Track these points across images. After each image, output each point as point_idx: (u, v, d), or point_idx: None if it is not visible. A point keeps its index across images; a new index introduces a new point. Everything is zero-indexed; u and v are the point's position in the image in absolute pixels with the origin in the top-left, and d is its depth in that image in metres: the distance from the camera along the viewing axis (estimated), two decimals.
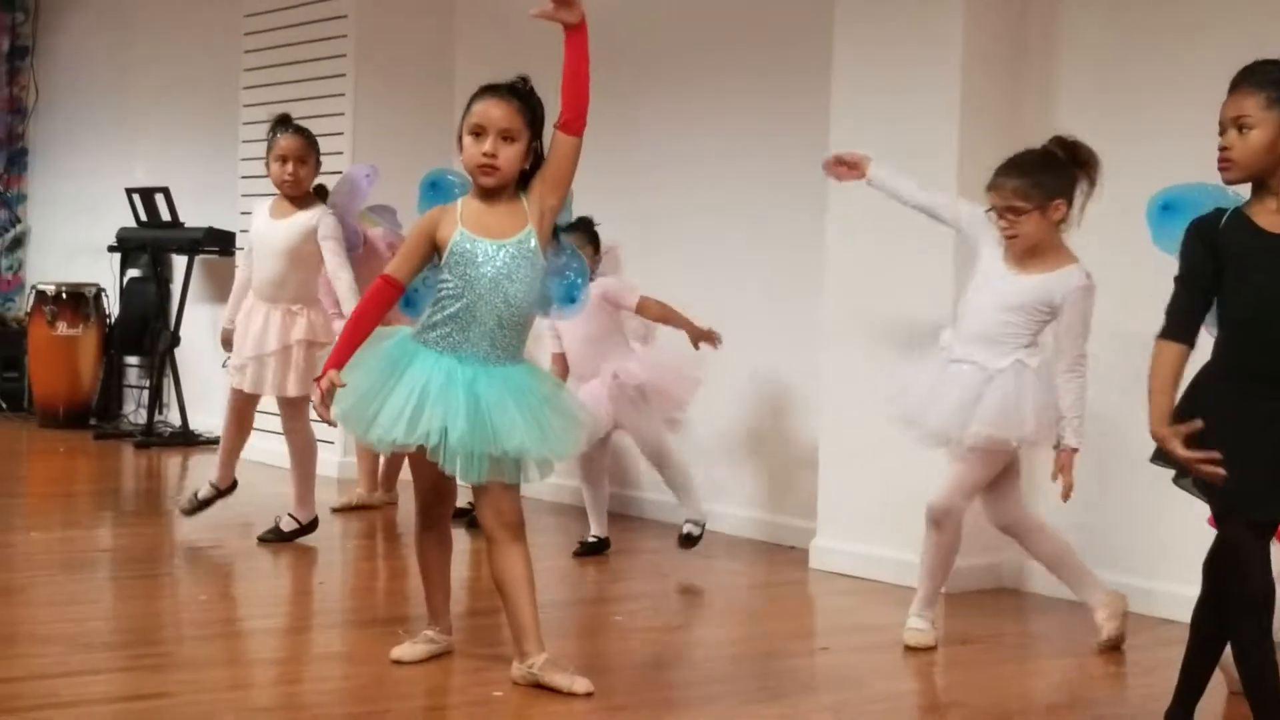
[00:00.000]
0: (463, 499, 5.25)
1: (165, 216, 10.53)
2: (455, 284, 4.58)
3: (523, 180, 4.63)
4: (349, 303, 6.44)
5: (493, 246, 4.57)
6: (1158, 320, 3.94)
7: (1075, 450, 5.17)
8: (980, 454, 5.27)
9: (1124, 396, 5.11)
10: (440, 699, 4.69)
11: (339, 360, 4.58)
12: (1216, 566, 3.94)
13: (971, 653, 5.39)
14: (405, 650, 4.92)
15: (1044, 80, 6.32)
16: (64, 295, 11.04)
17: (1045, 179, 5.15)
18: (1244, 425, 3.80)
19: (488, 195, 4.62)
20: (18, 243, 13.02)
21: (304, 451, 6.93)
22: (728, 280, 7.54)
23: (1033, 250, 5.20)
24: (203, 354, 9.78)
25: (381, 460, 7.95)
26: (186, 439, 10.24)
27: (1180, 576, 4.33)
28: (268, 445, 7.84)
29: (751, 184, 7.51)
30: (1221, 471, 3.73)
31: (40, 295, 11.10)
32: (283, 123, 6.85)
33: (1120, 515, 5.87)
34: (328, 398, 4.58)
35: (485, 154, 4.55)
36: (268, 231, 6.77)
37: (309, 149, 6.79)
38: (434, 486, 4.83)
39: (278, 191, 6.83)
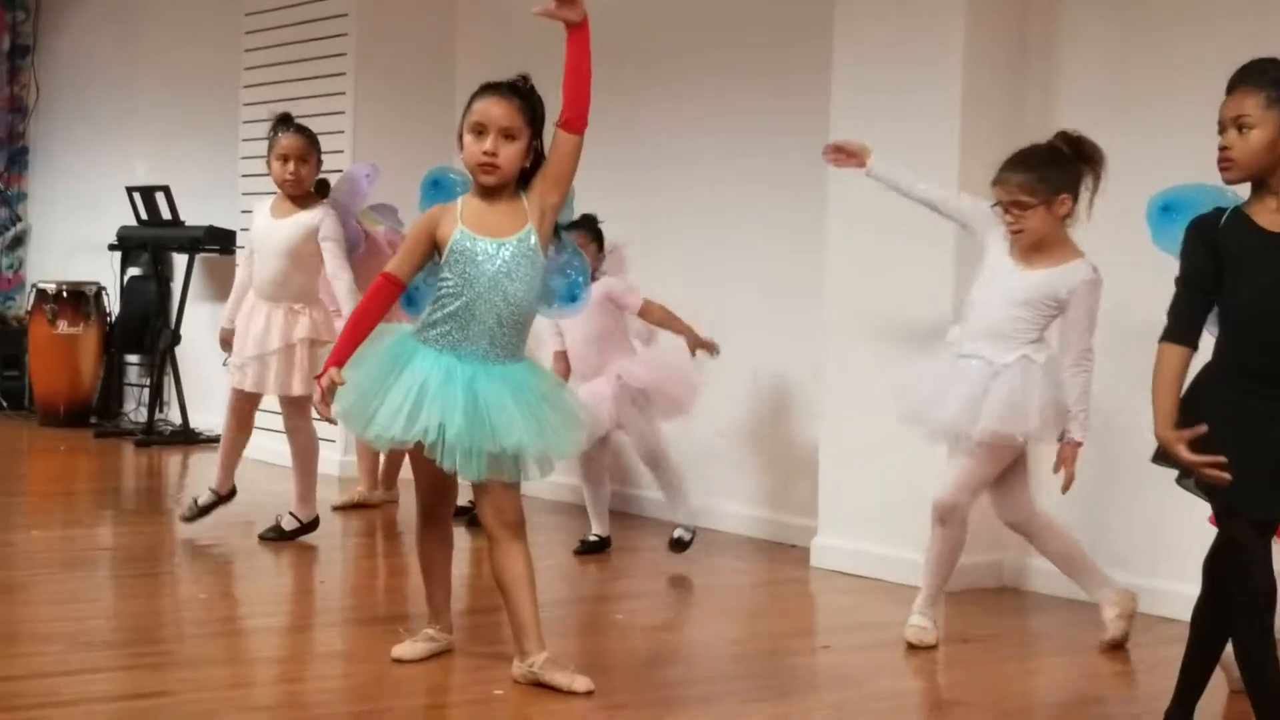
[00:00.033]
0: (464, 497, 5.24)
1: (166, 215, 10.53)
2: (455, 282, 4.57)
3: (524, 179, 4.63)
4: (348, 304, 6.44)
5: (493, 245, 4.57)
6: (1159, 318, 3.94)
7: (1079, 444, 5.18)
8: (986, 450, 5.27)
9: (1127, 395, 5.11)
10: (441, 697, 4.69)
11: (340, 358, 4.58)
12: (1217, 566, 3.94)
13: (973, 651, 5.38)
14: (406, 649, 4.92)
15: (1045, 79, 6.31)
16: (64, 294, 11.04)
17: (1051, 174, 5.16)
18: (1244, 425, 3.80)
19: (488, 194, 4.62)
20: (18, 241, 13.02)
21: (306, 450, 6.93)
22: (728, 279, 7.53)
23: (1039, 245, 5.21)
24: (203, 352, 9.76)
25: (382, 458, 7.95)
26: (187, 437, 10.24)
27: (1183, 575, 4.33)
28: (269, 444, 7.84)
29: (752, 183, 7.50)
30: (1226, 476, 3.73)
31: (41, 294, 11.10)
32: (284, 122, 6.84)
33: (1123, 514, 5.87)
34: (328, 395, 4.58)
35: (486, 152, 4.54)
36: (269, 231, 6.76)
37: (310, 148, 6.79)
38: (435, 485, 4.83)
39: (278, 190, 6.83)
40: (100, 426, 10.88)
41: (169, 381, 10.52)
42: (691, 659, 5.22)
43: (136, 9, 11.70)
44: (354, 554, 7.14)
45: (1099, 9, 6.21)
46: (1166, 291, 3.98)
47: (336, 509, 7.75)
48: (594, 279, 6.61)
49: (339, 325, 5.95)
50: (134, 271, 11.33)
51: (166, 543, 7.10)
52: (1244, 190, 3.97)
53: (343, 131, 8.96)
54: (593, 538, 6.91)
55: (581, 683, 4.57)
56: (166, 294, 10.86)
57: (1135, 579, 5.60)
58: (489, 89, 4.61)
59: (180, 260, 10.61)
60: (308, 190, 6.82)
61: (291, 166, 6.71)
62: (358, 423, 4.62)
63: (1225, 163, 3.88)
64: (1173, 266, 4.02)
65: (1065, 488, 5.19)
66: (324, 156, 6.96)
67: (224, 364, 6.94)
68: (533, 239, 4.59)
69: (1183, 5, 5.95)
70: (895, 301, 6.41)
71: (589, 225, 6.69)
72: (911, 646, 5.32)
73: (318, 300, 6.84)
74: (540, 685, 4.59)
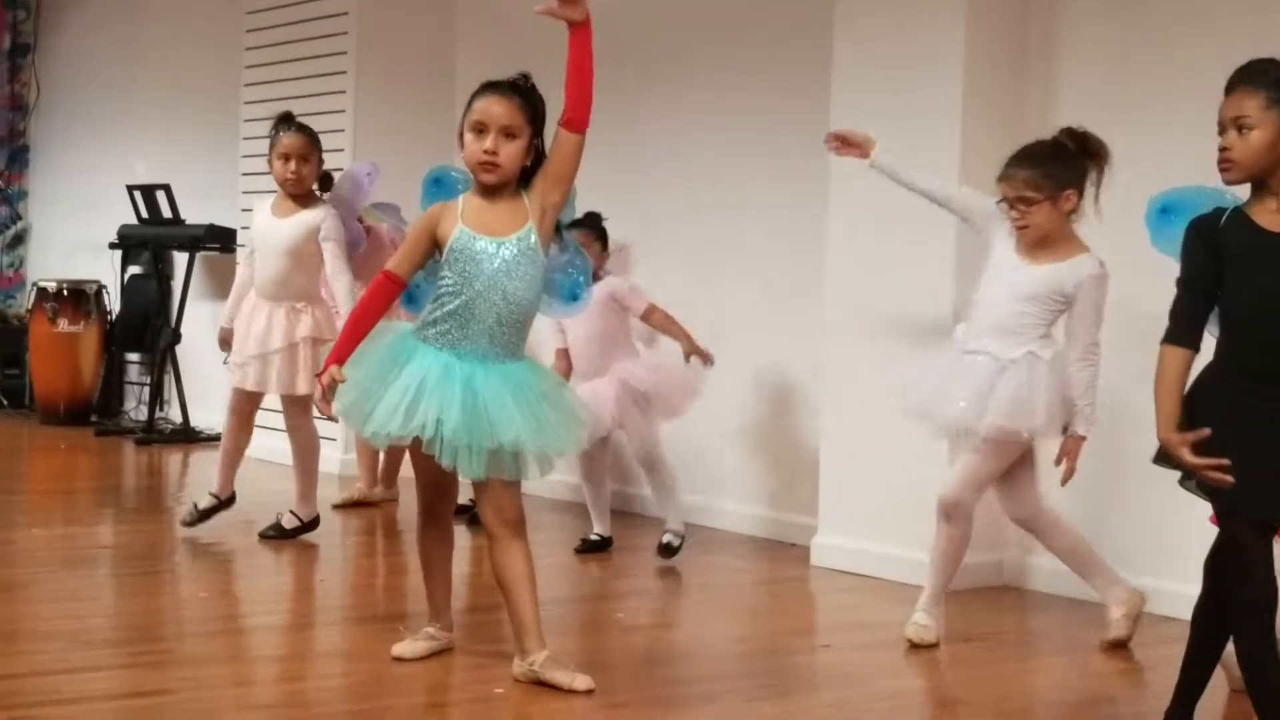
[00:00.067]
0: (464, 496, 5.24)
1: (166, 213, 10.54)
2: (455, 281, 4.58)
3: (525, 177, 4.63)
4: (346, 305, 6.44)
5: (493, 244, 4.57)
6: (1160, 315, 3.95)
7: (1083, 438, 5.19)
8: (991, 446, 5.27)
9: (1130, 395, 5.12)
10: (441, 696, 4.69)
11: (340, 356, 4.59)
12: (1218, 566, 3.94)
13: (973, 650, 5.38)
14: (406, 647, 4.92)
15: (1045, 79, 6.32)
16: (65, 292, 11.04)
17: (1056, 169, 5.17)
18: (1245, 425, 3.80)
19: (489, 192, 4.62)
20: (19, 240, 13.02)
21: (307, 449, 6.93)
22: (728, 278, 7.54)
23: (1044, 240, 5.22)
24: (204, 351, 9.76)
25: (381, 456, 7.96)
26: (187, 436, 10.24)
27: (1185, 575, 4.33)
28: (270, 442, 7.84)
29: (753, 183, 7.51)
30: (1229, 479, 3.73)
31: (41, 292, 11.10)
32: (285, 120, 6.84)
33: (1125, 513, 5.87)
34: (329, 393, 4.59)
35: (486, 151, 4.54)
36: (270, 230, 6.76)
37: (312, 147, 6.79)
38: (435, 483, 4.83)
39: (279, 189, 6.82)
40: (101, 425, 10.88)
41: (169, 380, 10.52)
42: (692, 658, 5.22)
43: (137, 8, 11.70)
44: (354, 552, 7.14)
45: (1099, 9, 6.21)
46: (1167, 289, 3.98)
47: (337, 507, 7.75)
48: (598, 278, 6.62)
49: (340, 324, 5.94)
50: (134, 270, 11.34)
51: (167, 541, 7.10)
52: (1242, 192, 3.97)
53: (343, 130, 8.96)
54: (594, 537, 6.91)
55: (582, 681, 4.57)
56: (167, 292, 10.87)
57: (1137, 578, 5.60)
58: (490, 87, 4.61)
59: (181, 259, 10.62)
60: (309, 189, 6.82)
61: (293, 165, 6.70)
62: (357, 420, 4.63)
63: (1225, 163, 3.88)
64: (1172, 265, 4.02)
65: (1065, 480, 5.21)
66: (324, 155, 6.96)
67: (224, 363, 6.94)
68: (533, 238, 4.59)
69: (1183, 5, 5.95)
70: (896, 301, 6.41)
71: (593, 224, 6.68)
72: (912, 645, 5.32)
73: (319, 299, 6.83)
74: (541, 684, 4.59)
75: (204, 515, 6.90)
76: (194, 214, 10.46)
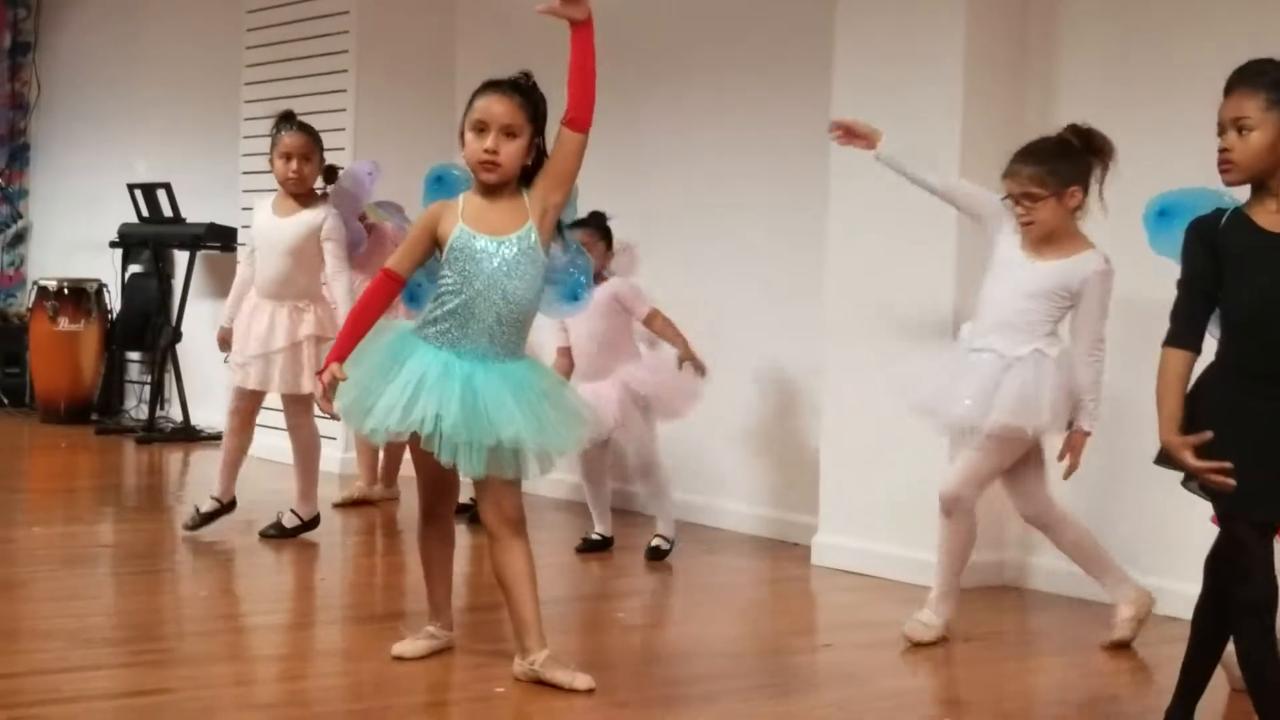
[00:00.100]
0: (465, 494, 5.24)
1: (167, 212, 10.54)
2: (455, 280, 4.58)
3: (527, 177, 4.63)
4: (345, 305, 6.44)
5: (492, 243, 4.56)
6: (1163, 314, 3.95)
7: (1088, 434, 5.20)
8: (994, 443, 5.26)
9: (1132, 392, 5.12)
10: (442, 695, 4.69)
11: (340, 354, 4.59)
12: (1218, 566, 3.94)
13: (974, 650, 5.38)
14: (406, 646, 4.92)
15: (1045, 78, 6.32)
16: (65, 291, 11.05)
17: (1061, 166, 5.18)
18: (1246, 426, 3.80)
19: (489, 191, 4.62)
20: (19, 238, 13.03)
21: (308, 448, 6.93)
22: (729, 277, 7.54)
23: (1049, 237, 5.22)
24: (204, 350, 9.75)
25: (381, 455, 7.96)
26: (188, 434, 10.24)
27: (1188, 575, 4.33)
28: (271, 441, 7.84)
29: (753, 182, 7.51)
30: (1231, 482, 3.73)
31: (42, 291, 11.10)
32: (286, 119, 6.83)
33: (1128, 512, 5.87)
34: (330, 391, 4.59)
35: (487, 150, 4.54)
36: (272, 229, 6.75)
37: (313, 146, 6.78)
38: (436, 482, 4.83)
39: (280, 188, 6.81)
40: (101, 423, 10.88)
41: (170, 379, 10.52)
42: (693, 657, 5.22)
43: (138, 7, 11.70)
44: (354, 551, 7.14)
45: (1099, 9, 6.21)
46: (1168, 287, 3.98)
47: (337, 506, 7.75)
48: (602, 278, 6.62)
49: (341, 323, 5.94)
50: (135, 268, 11.34)
51: (167, 540, 7.10)
52: (1241, 194, 3.97)
53: (344, 129, 8.96)
54: (595, 536, 6.91)
55: (583, 680, 4.57)
56: (167, 291, 10.88)
57: (1139, 578, 5.59)
58: (491, 86, 4.60)
59: (181, 257, 10.62)
60: (310, 188, 6.82)
61: (294, 165, 6.70)
62: (357, 417, 4.63)
63: (1225, 165, 3.88)
64: (1173, 264, 4.02)
65: (1067, 475, 5.24)
66: (325, 155, 6.95)
67: (224, 362, 6.94)
68: (533, 237, 4.59)
69: (1183, 5, 5.95)
70: (896, 300, 6.41)
71: (596, 223, 6.68)
72: (911, 643, 5.32)
73: (321, 297, 6.83)
74: (541, 683, 4.59)
75: (206, 519, 6.88)
76: (194, 213, 10.46)
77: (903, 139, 5.94)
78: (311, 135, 6.81)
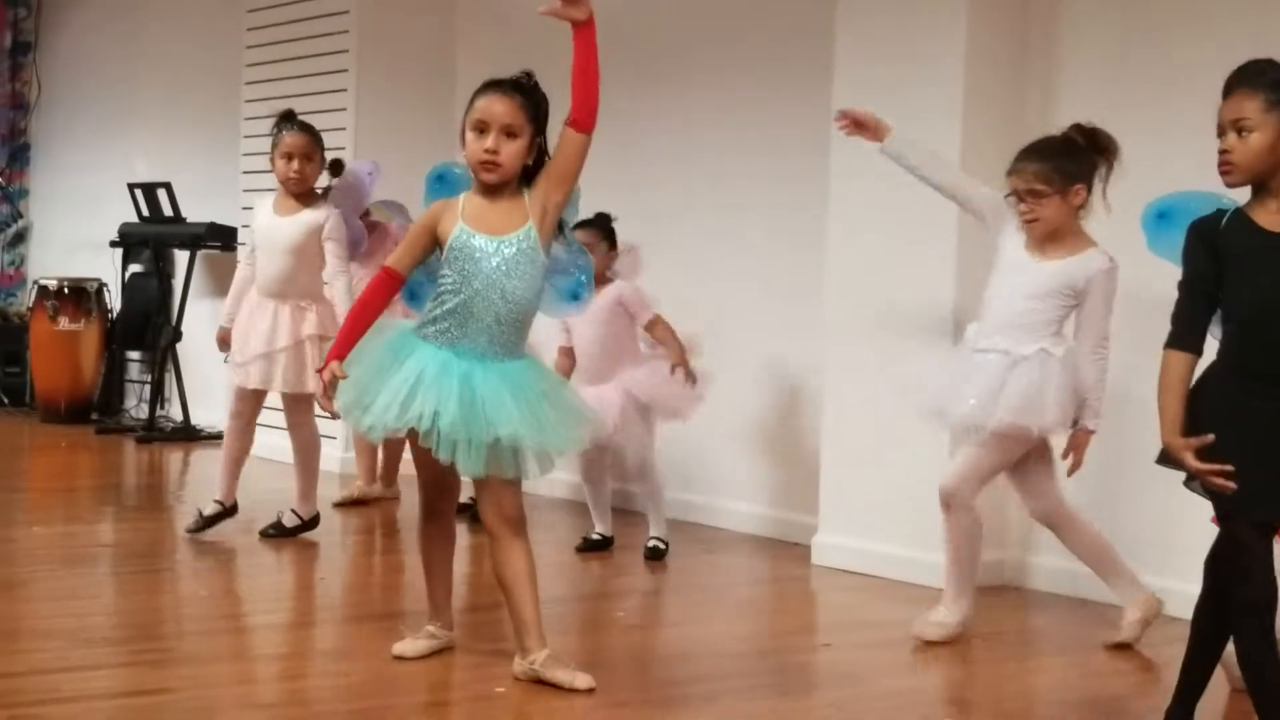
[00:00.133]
0: (466, 494, 5.24)
1: (167, 211, 10.54)
2: (454, 279, 4.58)
3: (528, 176, 4.63)
4: (344, 305, 6.43)
5: (492, 242, 4.56)
6: (1163, 314, 3.95)
7: (1092, 432, 5.21)
8: (996, 440, 5.27)
9: (1134, 392, 5.12)
10: (442, 694, 4.69)
11: (340, 352, 4.60)
12: (1218, 565, 3.94)
13: (974, 649, 5.38)
14: (407, 646, 4.92)
15: (1045, 78, 6.32)
16: (66, 290, 11.05)
17: (1066, 164, 5.19)
18: (1246, 426, 3.80)
19: (489, 191, 4.62)
20: (20, 238, 13.03)
21: (308, 447, 6.93)
22: (729, 277, 7.54)
23: (1053, 235, 5.23)
24: (204, 349, 9.76)
25: (380, 454, 7.96)
26: (188, 434, 10.24)
27: (1188, 575, 4.33)
28: (271, 440, 7.84)
29: (753, 182, 7.51)
30: (1232, 485, 3.73)
31: (42, 290, 11.10)
32: (287, 119, 6.83)
33: (1130, 512, 5.86)
34: (330, 389, 4.59)
35: (487, 150, 4.54)
36: (274, 228, 6.75)
37: (314, 145, 6.78)
38: (436, 481, 4.83)
39: (281, 188, 6.81)
40: (101, 423, 10.88)
41: (170, 378, 10.52)
42: (692, 657, 5.22)
43: (138, 6, 11.70)
44: (354, 551, 7.15)
45: (1099, 9, 6.21)
46: (1169, 286, 3.98)
47: (337, 506, 7.75)
48: (606, 280, 6.62)
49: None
50: (135, 268, 11.34)
51: (167, 539, 7.10)
52: (1239, 196, 3.97)
53: (344, 128, 8.97)
54: (595, 536, 6.91)
55: (583, 680, 4.57)
56: (168, 290, 10.88)
57: (1142, 577, 5.59)
58: (491, 86, 4.60)
59: (182, 257, 10.63)
60: (311, 188, 6.82)
61: (296, 164, 6.70)
62: (355, 415, 4.62)
63: (1226, 166, 3.87)
64: (1172, 263, 4.03)
65: (1070, 472, 5.26)
66: (326, 154, 6.95)
67: (225, 361, 6.93)
68: (533, 237, 4.58)
69: (1183, 5, 5.95)
70: (897, 300, 6.41)
71: (600, 224, 6.67)
72: (922, 642, 5.33)
73: (323, 296, 6.82)
74: (541, 682, 4.59)
75: (208, 521, 6.86)
76: (195, 212, 10.46)
77: (903, 138, 5.96)
78: (312, 135, 6.80)
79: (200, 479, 8.87)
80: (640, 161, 7.91)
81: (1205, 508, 3.99)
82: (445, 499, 4.94)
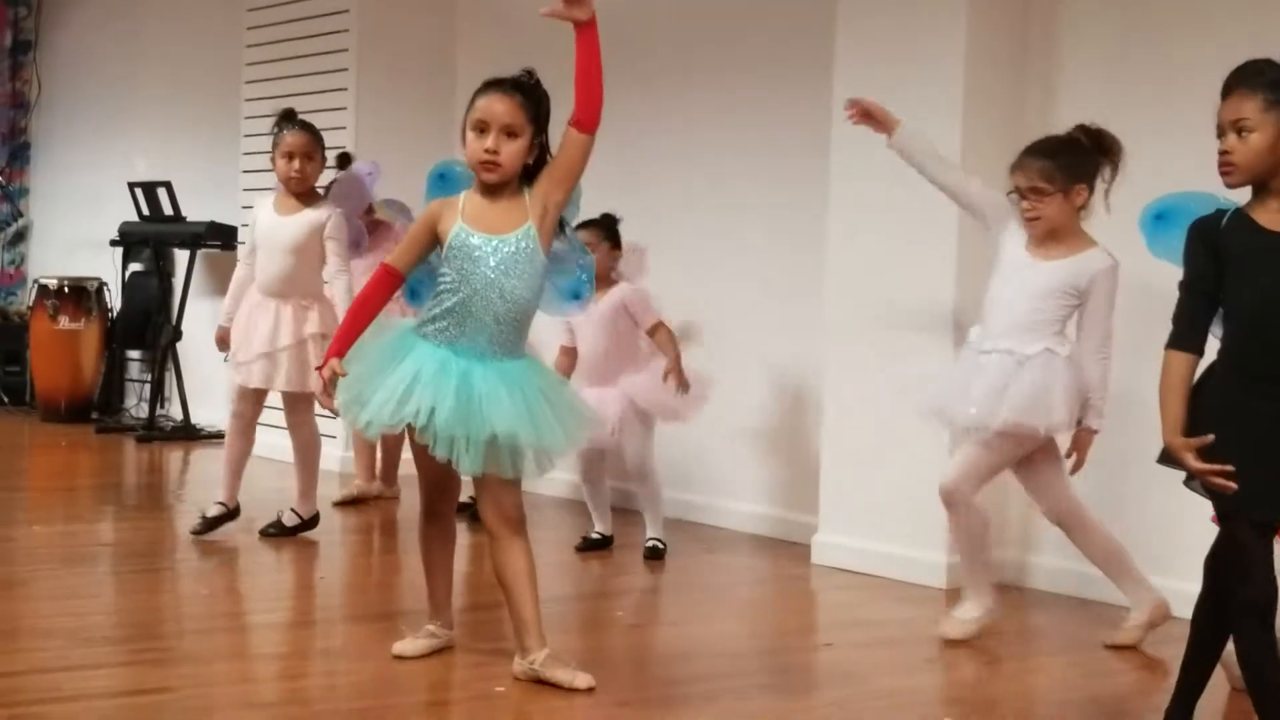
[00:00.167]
0: (466, 494, 5.24)
1: (167, 211, 10.54)
2: (453, 278, 4.58)
3: (530, 175, 4.63)
4: (345, 304, 6.43)
5: (491, 242, 4.56)
6: (1164, 313, 3.95)
7: (1095, 432, 5.22)
8: (999, 440, 5.27)
9: (1135, 391, 5.12)
10: (442, 694, 4.69)
11: (340, 349, 4.60)
12: (1218, 565, 3.94)
13: (974, 649, 5.38)
14: (407, 645, 4.92)
15: (1046, 78, 6.32)
16: (66, 289, 11.05)
17: (1070, 163, 5.21)
18: (1247, 425, 3.81)
19: (490, 190, 4.62)
20: (20, 237, 13.03)
21: (308, 446, 6.93)
22: (729, 277, 7.54)
23: (1053, 234, 5.24)
24: (204, 348, 9.74)
25: (379, 454, 7.96)
26: (188, 433, 10.24)
27: (1188, 574, 4.33)
28: (271, 440, 7.84)
29: (753, 182, 7.51)
30: (1233, 485, 3.74)
31: (42, 289, 11.11)
32: (288, 118, 6.82)
33: (1130, 512, 5.86)
34: (330, 386, 4.59)
35: (487, 150, 4.53)
36: (276, 228, 6.74)
37: (315, 145, 6.78)
38: (437, 480, 4.83)
39: (282, 187, 6.80)
40: (101, 422, 10.88)
41: (170, 377, 10.53)
42: (693, 656, 5.22)
43: (138, 5, 11.71)
44: (354, 550, 7.15)
45: (1099, 9, 6.22)
46: (1169, 285, 3.98)
47: (337, 505, 7.76)
48: (611, 280, 6.63)
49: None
50: (135, 267, 11.34)
51: (167, 538, 7.11)
52: (1237, 196, 3.97)
53: (344, 127, 8.96)
54: (595, 535, 6.91)
55: (583, 679, 4.57)
56: (168, 289, 10.89)
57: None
58: (492, 85, 4.60)
59: (182, 256, 10.63)
60: (312, 187, 6.82)
61: (297, 164, 6.69)
62: (353, 412, 4.62)
63: (1226, 167, 3.87)
64: (1170, 266, 4.03)
65: (1073, 471, 5.28)
66: (326, 153, 6.95)
67: (225, 361, 6.93)
68: (532, 236, 4.59)
69: (1183, 5, 5.96)
70: (897, 300, 6.41)
71: (603, 224, 6.67)
72: (946, 640, 5.36)
73: (324, 295, 6.82)
74: (541, 682, 4.60)
75: (212, 524, 6.85)
76: (195, 211, 10.46)
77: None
78: (313, 134, 6.80)
79: (200, 478, 8.88)
80: (640, 161, 7.91)
81: (1205, 507, 3.99)
82: (445, 498, 4.94)
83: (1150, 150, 5.60)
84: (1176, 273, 4.00)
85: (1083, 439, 5.25)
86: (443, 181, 6.57)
